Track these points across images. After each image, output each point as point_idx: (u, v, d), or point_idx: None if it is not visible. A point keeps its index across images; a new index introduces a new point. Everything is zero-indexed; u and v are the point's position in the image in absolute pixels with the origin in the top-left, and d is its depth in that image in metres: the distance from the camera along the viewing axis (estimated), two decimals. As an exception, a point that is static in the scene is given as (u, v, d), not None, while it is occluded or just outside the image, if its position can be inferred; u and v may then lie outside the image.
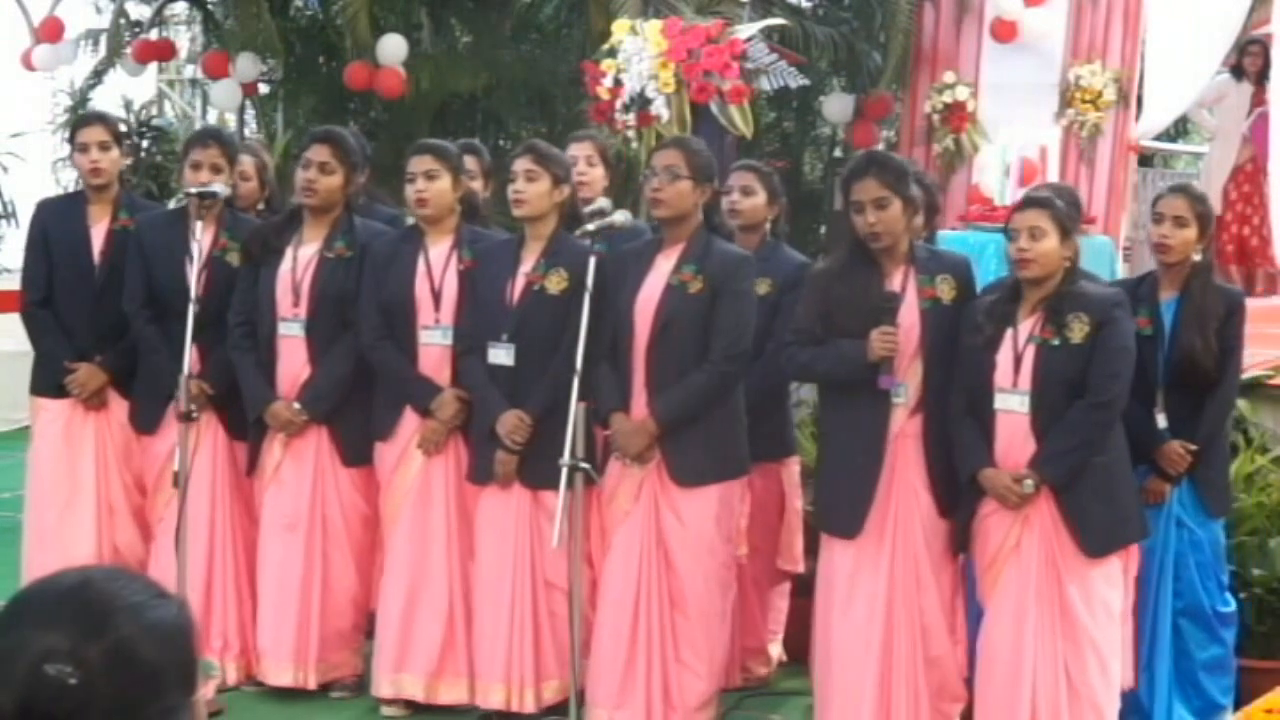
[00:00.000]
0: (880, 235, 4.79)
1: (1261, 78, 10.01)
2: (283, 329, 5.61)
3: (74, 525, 5.87)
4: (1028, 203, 4.86)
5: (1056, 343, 4.67)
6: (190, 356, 5.23)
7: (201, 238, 5.44)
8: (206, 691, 5.25)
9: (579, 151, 5.87)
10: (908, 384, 4.83)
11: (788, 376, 5.48)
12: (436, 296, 5.47)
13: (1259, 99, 10.04)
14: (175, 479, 5.17)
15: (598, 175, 5.89)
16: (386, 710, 5.55)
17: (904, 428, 4.85)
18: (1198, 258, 5.20)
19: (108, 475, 5.91)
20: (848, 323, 4.81)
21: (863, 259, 4.88)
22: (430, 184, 5.44)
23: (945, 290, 4.86)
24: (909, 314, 4.82)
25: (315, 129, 6.18)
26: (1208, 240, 5.25)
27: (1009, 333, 4.73)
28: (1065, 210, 4.81)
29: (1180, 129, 12.65)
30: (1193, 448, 5.13)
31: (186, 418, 5.19)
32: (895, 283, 4.85)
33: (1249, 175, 10.10)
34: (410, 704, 5.54)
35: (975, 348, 4.75)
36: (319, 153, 5.59)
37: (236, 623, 5.78)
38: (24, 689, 1.62)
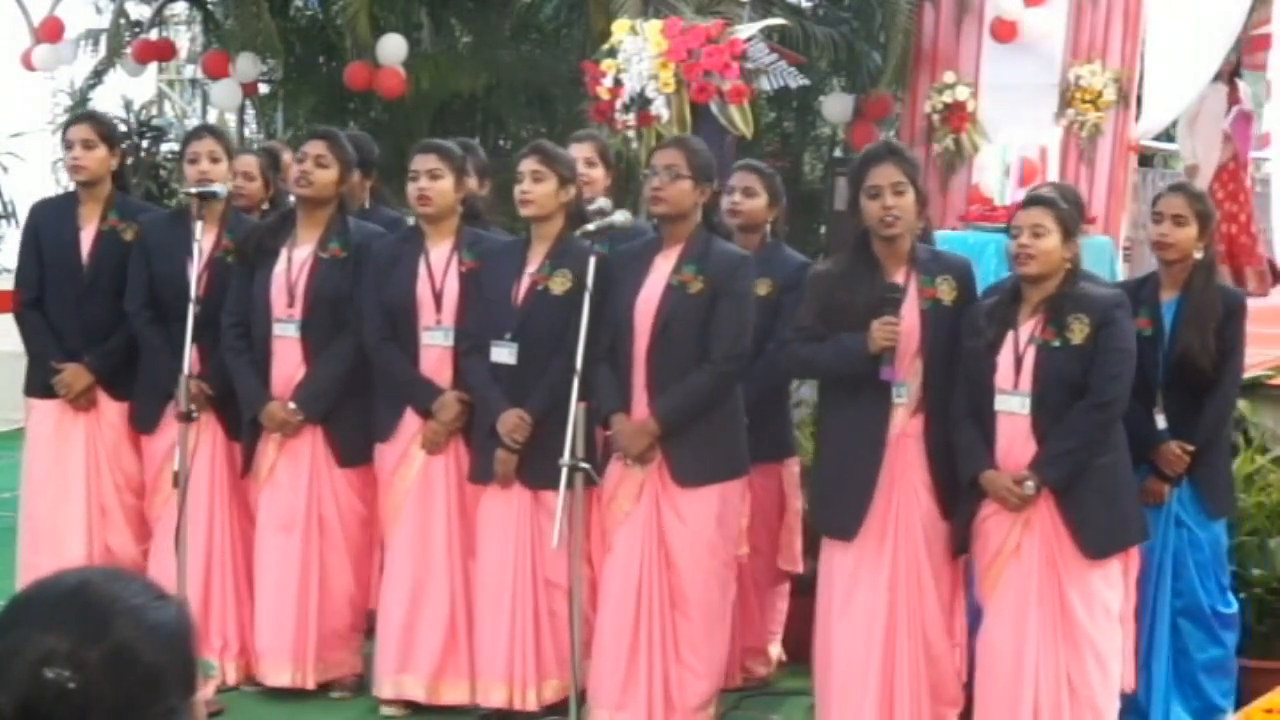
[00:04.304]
0: (896, 222, 4.77)
1: (1234, 76, 10.08)
2: (277, 330, 5.61)
3: (64, 525, 5.88)
4: (1031, 201, 4.86)
5: (1057, 344, 4.66)
6: (190, 357, 5.24)
7: (203, 238, 5.44)
8: (206, 692, 5.25)
9: (579, 153, 5.87)
10: (909, 384, 4.82)
11: (787, 373, 5.48)
12: (438, 298, 5.47)
13: (1233, 97, 10.10)
14: (175, 479, 5.18)
15: (598, 176, 5.89)
16: (386, 710, 5.55)
17: (905, 428, 4.84)
18: (1199, 255, 5.20)
19: (98, 475, 5.92)
20: (849, 322, 4.79)
21: (865, 259, 4.87)
22: (433, 183, 5.46)
23: (946, 291, 4.85)
24: (910, 314, 4.80)
25: (316, 127, 6.22)
26: (1208, 238, 5.24)
27: (1010, 334, 4.72)
28: (1068, 211, 4.80)
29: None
30: (1190, 448, 5.13)
31: (186, 418, 5.19)
32: (897, 282, 4.84)
33: (1232, 173, 10.13)
34: (410, 704, 5.54)
35: (976, 350, 4.75)
36: (315, 146, 5.64)
37: (236, 623, 5.79)
38: (23, 692, 1.61)
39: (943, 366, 4.82)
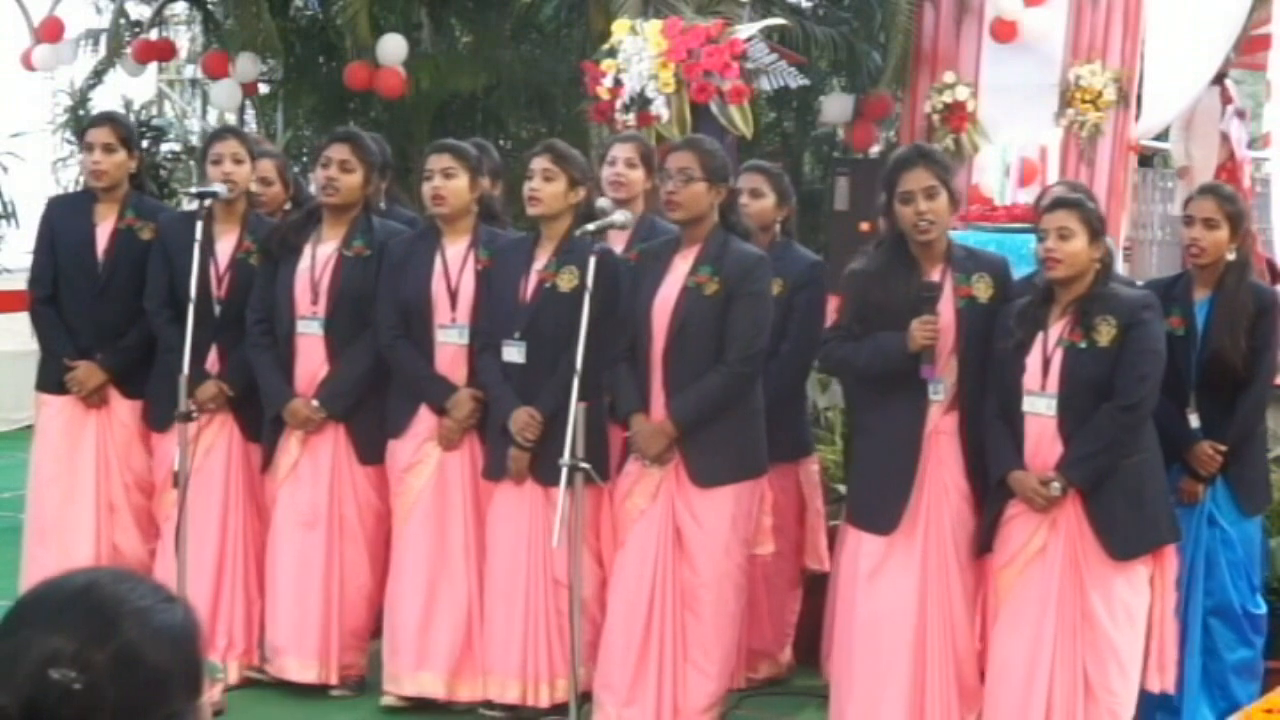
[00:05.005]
0: (930, 227, 4.77)
1: (1222, 76, 10.10)
2: (301, 327, 5.62)
3: (72, 523, 5.87)
4: (1058, 203, 4.82)
5: (1084, 345, 4.65)
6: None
7: (219, 239, 5.43)
8: (213, 695, 5.25)
9: (621, 153, 5.80)
10: (945, 381, 4.82)
11: (827, 371, 5.47)
12: (453, 296, 5.48)
13: (1226, 97, 10.11)
14: (174, 479, 5.18)
15: (638, 178, 5.80)
16: (386, 700, 5.54)
17: (939, 424, 4.85)
18: (1231, 257, 5.19)
19: (108, 474, 5.91)
20: (887, 322, 4.80)
21: (900, 258, 4.87)
22: (448, 182, 5.46)
23: (982, 289, 4.85)
24: (945, 312, 4.81)
25: (337, 129, 6.19)
26: (1240, 238, 5.23)
27: (1040, 336, 4.71)
28: (1095, 211, 4.78)
29: (1179, 129, 12.64)
30: (1223, 448, 5.12)
31: (185, 418, 5.19)
32: (933, 280, 4.84)
33: (1230, 173, 10.13)
34: (409, 702, 5.53)
35: (1006, 351, 4.74)
36: (339, 151, 5.62)
37: (243, 622, 5.79)
38: (28, 692, 1.61)
39: (978, 364, 4.82)
